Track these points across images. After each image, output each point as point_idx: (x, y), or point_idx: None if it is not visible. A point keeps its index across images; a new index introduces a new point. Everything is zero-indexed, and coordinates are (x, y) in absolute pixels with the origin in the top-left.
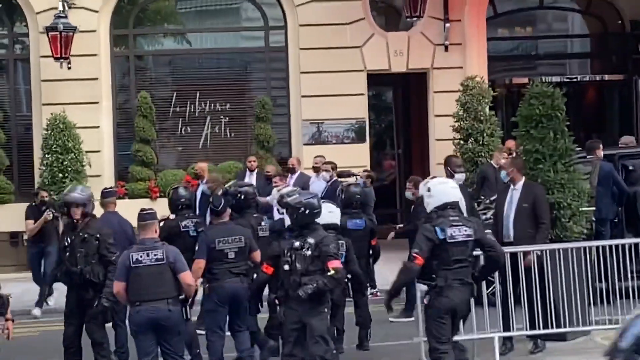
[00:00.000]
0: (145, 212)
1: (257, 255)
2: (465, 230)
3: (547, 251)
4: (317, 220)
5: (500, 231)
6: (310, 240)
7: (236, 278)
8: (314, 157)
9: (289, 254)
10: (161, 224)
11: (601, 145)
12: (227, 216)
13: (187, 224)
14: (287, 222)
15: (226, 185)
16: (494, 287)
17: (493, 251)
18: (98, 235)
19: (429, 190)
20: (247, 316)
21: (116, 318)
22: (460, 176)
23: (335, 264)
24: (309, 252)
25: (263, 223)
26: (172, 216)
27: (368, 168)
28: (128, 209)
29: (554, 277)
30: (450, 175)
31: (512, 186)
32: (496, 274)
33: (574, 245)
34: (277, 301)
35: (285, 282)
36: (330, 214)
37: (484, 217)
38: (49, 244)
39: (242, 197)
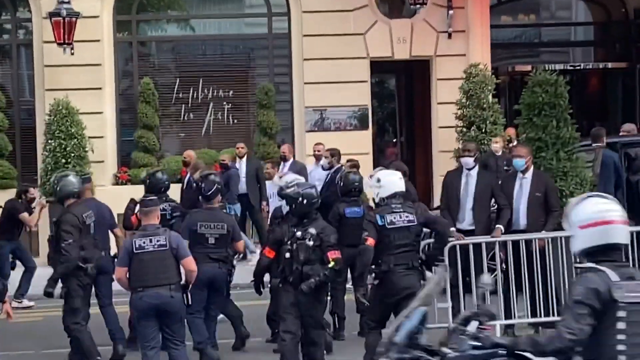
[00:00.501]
0: (147, 198)
1: (240, 245)
2: (407, 217)
3: (549, 239)
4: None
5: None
6: (312, 230)
7: (214, 263)
8: (313, 144)
9: (290, 243)
10: (137, 207)
11: (605, 133)
12: (216, 202)
13: (164, 207)
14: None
15: (195, 174)
16: (495, 275)
17: (437, 224)
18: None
19: (378, 181)
20: (222, 300)
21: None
22: (467, 160)
23: (335, 255)
24: (310, 242)
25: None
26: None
27: (370, 153)
28: (131, 195)
29: (556, 264)
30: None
31: (521, 175)
32: (497, 262)
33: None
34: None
35: (287, 269)
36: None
37: None
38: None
39: (149, 181)
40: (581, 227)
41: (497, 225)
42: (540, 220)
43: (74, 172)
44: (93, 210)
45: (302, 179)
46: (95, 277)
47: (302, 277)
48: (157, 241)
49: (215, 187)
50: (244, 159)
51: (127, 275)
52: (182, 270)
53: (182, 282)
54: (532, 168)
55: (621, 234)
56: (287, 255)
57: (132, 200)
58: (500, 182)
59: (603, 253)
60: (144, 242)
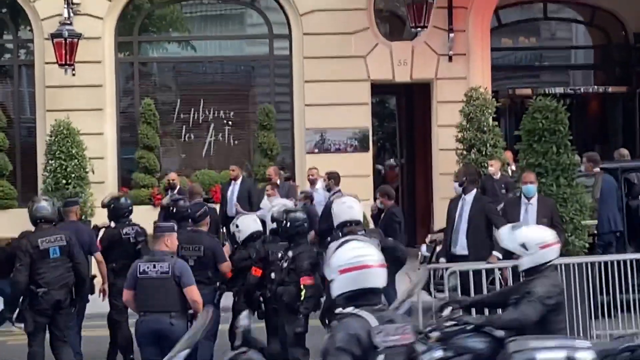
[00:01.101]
0: (158, 225)
1: (225, 266)
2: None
3: None
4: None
5: None
6: (289, 253)
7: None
8: (308, 169)
9: (271, 263)
10: (101, 232)
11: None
12: (204, 225)
13: (127, 231)
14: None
15: (163, 200)
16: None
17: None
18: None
19: (237, 226)
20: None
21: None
22: (454, 185)
23: (306, 281)
24: (285, 264)
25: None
26: (112, 224)
27: (370, 176)
28: (132, 216)
29: None
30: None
31: (526, 200)
32: (497, 287)
33: (576, 261)
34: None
35: (268, 287)
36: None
37: None
38: None
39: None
40: (340, 272)
41: (494, 253)
42: None
43: (61, 195)
44: (68, 235)
45: (290, 204)
46: (54, 302)
47: (275, 297)
48: (160, 267)
49: (203, 209)
50: (238, 181)
51: (134, 298)
52: None
53: (190, 311)
54: (536, 193)
55: (378, 278)
56: (272, 275)
57: (94, 226)
58: (503, 206)
59: (362, 297)
60: (147, 267)
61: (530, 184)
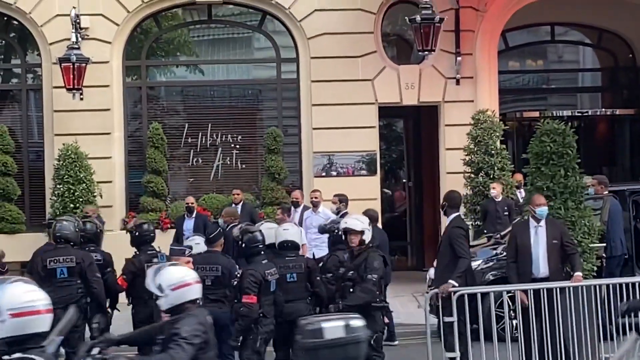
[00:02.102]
0: (175, 247)
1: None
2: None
3: (558, 288)
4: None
5: (528, 269)
6: (239, 271)
7: (213, 304)
8: (310, 191)
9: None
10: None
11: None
12: (218, 246)
13: (97, 257)
14: None
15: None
16: (504, 323)
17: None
18: None
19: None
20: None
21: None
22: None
23: (245, 299)
24: (235, 282)
25: (155, 260)
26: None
27: (378, 199)
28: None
29: (564, 314)
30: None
31: (535, 223)
32: (505, 310)
33: (584, 284)
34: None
35: None
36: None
37: (494, 252)
38: None
39: (137, 233)
40: (12, 316)
41: (450, 281)
42: (559, 267)
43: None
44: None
45: (250, 224)
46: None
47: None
48: None
49: (217, 230)
50: (240, 205)
51: None
52: None
53: None
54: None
55: (47, 322)
56: None
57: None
58: (510, 230)
59: (31, 341)
60: None
61: (543, 206)
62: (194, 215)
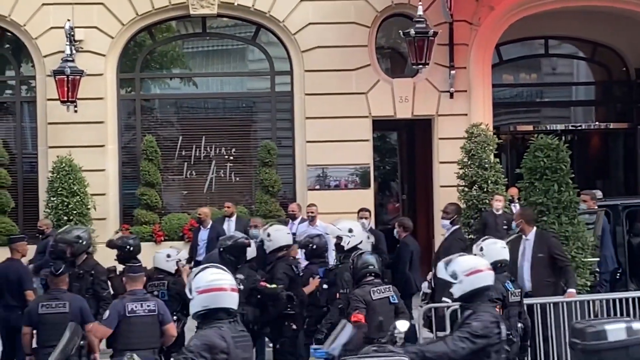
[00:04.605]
0: (135, 265)
1: None
2: None
3: (551, 304)
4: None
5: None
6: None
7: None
8: (307, 205)
9: None
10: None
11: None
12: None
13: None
14: None
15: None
16: None
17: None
18: (92, 272)
19: (268, 235)
20: None
21: None
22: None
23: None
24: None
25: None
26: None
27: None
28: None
29: (557, 328)
30: None
31: (523, 237)
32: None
33: (578, 299)
34: None
35: None
36: None
37: None
38: None
39: (128, 249)
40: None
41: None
42: (545, 281)
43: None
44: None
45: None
46: None
47: None
48: (148, 306)
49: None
50: (233, 217)
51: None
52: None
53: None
54: (534, 229)
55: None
56: None
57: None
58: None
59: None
60: (135, 307)
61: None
62: (208, 227)
